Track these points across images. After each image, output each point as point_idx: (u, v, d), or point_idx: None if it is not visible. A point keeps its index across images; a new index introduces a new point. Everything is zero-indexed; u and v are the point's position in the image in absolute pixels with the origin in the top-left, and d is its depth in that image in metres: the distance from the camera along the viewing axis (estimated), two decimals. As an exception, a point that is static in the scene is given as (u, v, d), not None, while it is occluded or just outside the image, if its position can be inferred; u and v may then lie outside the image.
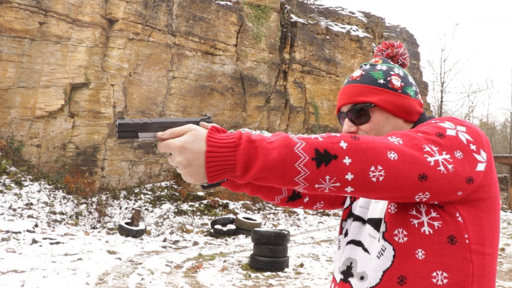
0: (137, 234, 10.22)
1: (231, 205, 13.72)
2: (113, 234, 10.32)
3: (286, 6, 19.57)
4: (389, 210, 1.04)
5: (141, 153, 14.45)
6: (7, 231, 8.81)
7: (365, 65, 1.24)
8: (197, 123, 0.97)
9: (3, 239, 8.39)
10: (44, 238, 8.68)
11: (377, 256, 1.03)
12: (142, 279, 6.41)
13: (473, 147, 0.97)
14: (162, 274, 6.78)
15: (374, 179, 0.87)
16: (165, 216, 12.47)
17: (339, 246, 1.21)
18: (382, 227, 1.04)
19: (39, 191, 11.52)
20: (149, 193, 13.93)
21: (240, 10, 17.20)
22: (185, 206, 13.28)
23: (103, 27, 13.95)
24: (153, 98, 14.80)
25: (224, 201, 13.83)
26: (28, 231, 9.17)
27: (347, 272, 1.11)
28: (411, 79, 1.21)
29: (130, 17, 14.29)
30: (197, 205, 13.48)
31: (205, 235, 11.05)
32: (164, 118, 0.99)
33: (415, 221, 0.99)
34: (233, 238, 10.79)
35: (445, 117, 1.06)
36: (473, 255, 0.97)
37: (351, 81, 1.21)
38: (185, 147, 0.88)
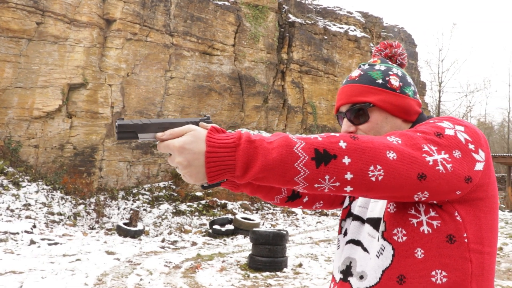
0: (136, 235, 10.21)
1: (230, 205, 13.72)
2: (111, 234, 10.30)
3: (284, 6, 19.58)
4: (388, 210, 1.04)
5: (139, 154, 14.44)
6: (5, 232, 8.79)
7: (364, 65, 1.24)
8: (196, 123, 0.97)
9: (1, 240, 8.37)
10: (42, 239, 8.66)
11: (377, 255, 1.03)
12: (141, 279, 6.41)
13: (471, 146, 0.97)
14: (160, 275, 6.77)
15: (373, 179, 0.87)
16: (164, 217, 12.46)
17: (339, 246, 1.22)
18: (381, 227, 1.05)
19: (37, 192, 11.49)
20: (147, 193, 13.92)
21: (238, 10, 17.20)
22: (183, 207, 13.27)
23: (100, 27, 13.92)
24: (151, 98, 14.79)
25: (223, 201, 13.83)
26: (26, 232, 9.15)
27: (347, 272, 1.12)
28: (409, 79, 1.21)
29: (128, 17, 14.27)
30: (195, 205, 13.48)
31: (204, 236, 11.05)
32: (164, 119, 0.99)
33: (414, 221, 1.00)
34: (232, 238, 10.79)
35: (443, 116, 1.07)
36: (472, 254, 0.98)
37: (349, 81, 1.21)
38: (185, 148, 0.88)
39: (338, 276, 1.15)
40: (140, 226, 10.66)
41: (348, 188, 0.88)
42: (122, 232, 10.20)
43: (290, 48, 18.79)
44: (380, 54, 1.31)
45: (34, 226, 9.66)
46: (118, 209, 12.53)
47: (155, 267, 7.15)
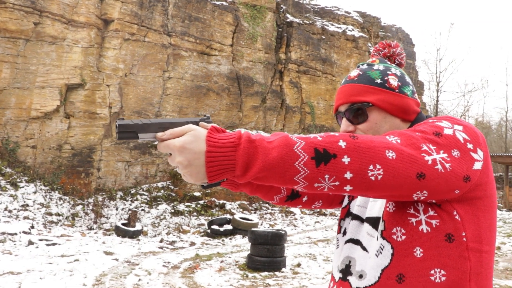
0: (134, 235, 10.20)
1: (228, 205, 13.71)
2: (109, 235, 10.29)
3: (281, 6, 19.58)
4: (387, 209, 1.05)
5: (137, 154, 14.42)
6: (3, 233, 8.77)
7: (362, 65, 1.25)
8: (196, 123, 0.98)
9: (-1, 241, 8.36)
10: (41, 240, 8.65)
11: (376, 254, 1.04)
12: (140, 280, 6.40)
13: (470, 146, 0.98)
14: (159, 275, 6.77)
15: (372, 178, 0.87)
16: (162, 217, 12.45)
17: (338, 245, 1.22)
18: (381, 226, 1.05)
19: (35, 192, 11.47)
20: (146, 193, 13.90)
21: (236, 10, 17.20)
22: (181, 207, 13.26)
23: (98, 28, 13.90)
24: (149, 98, 14.77)
25: (221, 202, 13.83)
26: (24, 232, 9.13)
27: (346, 271, 1.12)
28: (408, 79, 1.22)
29: (126, 17, 14.25)
30: (193, 205, 13.47)
31: (202, 236, 11.04)
32: (164, 119, 1.00)
33: (413, 220, 1.00)
34: (230, 239, 10.78)
35: (442, 116, 1.07)
36: (471, 253, 0.98)
37: (348, 81, 1.21)
38: (185, 147, 0.88)
39: (338, 275, 1.15)
40: (138, 226, 10.65)
41: (348, 187, 0.89)
42: (120, 232, 10.19)
43: (288, 48, 18.80)
44: (378, 54, 1.31)
45: (32, 227, 9.64)
46: (116, 209, 12.51)
47: (154, 268, 7.14)
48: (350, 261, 1.12)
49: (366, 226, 1.13)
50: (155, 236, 10.69)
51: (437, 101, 30.20)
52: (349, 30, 20.83)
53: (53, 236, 9.37)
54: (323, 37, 19.80)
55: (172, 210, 12.99)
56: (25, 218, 10.15)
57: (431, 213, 0.99)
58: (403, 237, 1.00)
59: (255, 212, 14.25)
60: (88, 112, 13.49)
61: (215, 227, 11.09)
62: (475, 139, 1.00)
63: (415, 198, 0.96)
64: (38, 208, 10.90)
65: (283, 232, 7.67)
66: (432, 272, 0.97)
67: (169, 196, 14.01)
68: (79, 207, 11.79)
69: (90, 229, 10.79)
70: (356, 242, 1.14)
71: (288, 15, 19.48)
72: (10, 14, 12.26)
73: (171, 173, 14.81)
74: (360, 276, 1.07)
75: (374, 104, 1.15)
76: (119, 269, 7.00)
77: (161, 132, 0.96)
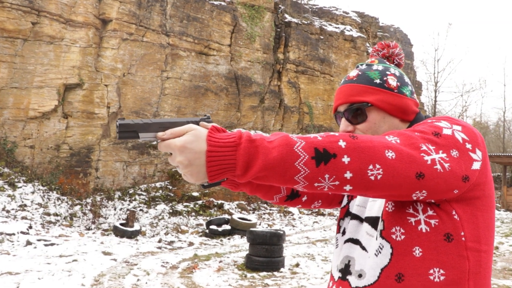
0: (132, 235, 10.19)
1: (226, 206, 13.71)
2: (108, 235, 10.27)
3: (280, 6, 19.59)
4: (387, 209, 1.05)
5: (135, 154, 14.40)
6: (1, 233, 8.75)
7: (361, 65, 1.25)
8: (197, 123, 0.98)
9: (-4, 241, 8.34)
10: (39, 240, 8.63)
11: (375, 254, 1.04)
12: (138, 280, 6.40)
13: (468, 146, 0.98)
14: (158, 275, 6.77)
15: (372, 178, 0.88)
16: (160, 217, 12.44)
17: (337, 245, 1.22)
18: (380, 225, 1.06)
19: (32, 193, 11.44)
20: (144, 193, 13.89)
21: (234, 10, 17.19)
22: (180, 207, 13.25)
23: (96, 27, 13.88)
24: (147, 98, 14.76)
25: (219, 202, 13.82)
26: (22, 232, 9.11)
27: (345, 270, 1.12)
28: (406, 79, 1.23)
29: (124, 17, 14.24)
30: (192, 205, 13.46)
31: (200, 236, 11.04)
32: (164, 118, 1.00)
33: (412, 219, 1.00)
34: (228, 239, 10.78)
35: (441, 116, 1.08)
36: (469, 252, 0.99)
37: (347, 81, 1.22)
38: (186, 147, 0.88)
39: (337, 275, 1.15)
40: (136, 226, 10.64)
41: (348, 187, 0.89)
42: (118, 232, 10.17)
43: (286, 48, 18.80)
44: (377, 54, 1.32)
45: (30, 227, 9.62)
46: (115, 209, 12.49)
47: (152, 268, 7.14)
48: (349, 261, 1.13)
49: (365, 226, 1.13)
50: (153, 236, 10.69)
51: (435, 101, 30.26)
52: (347, 30, 20.85)
53: (51, 236, 9.36)
54: (321, 37, 19.81)
55: (171, 210, 12.98)
56: (23, 218, 10.13)
57: (430, 212, 1.00)
58: (402, 237, 1.00)
59: (253, 212, 14.25)
60: (86, 112, 13.47)
61: (213, 227, 11.08)
62: (473, 139, 1.00)
63: (414, 198, 0.96)
64: (36, 208, 10.88)
65: (282, 232, 7.67)
66: (431, 271, 0.97)
67: (168, 196, 14.00)
68: (77, 207, 11.77)
69: (88, 229, 10.78)
70: (356, 241, 1.14)
71: (286, 15, 19.49)
72: (8, 13, 12.23)
73: (169, 173, 14.80)
74: (360, 276, 1.07)
75: (373, 104, 1.15)
76: (117, 269, 7.00)
77: (161, 132, 0.96)
